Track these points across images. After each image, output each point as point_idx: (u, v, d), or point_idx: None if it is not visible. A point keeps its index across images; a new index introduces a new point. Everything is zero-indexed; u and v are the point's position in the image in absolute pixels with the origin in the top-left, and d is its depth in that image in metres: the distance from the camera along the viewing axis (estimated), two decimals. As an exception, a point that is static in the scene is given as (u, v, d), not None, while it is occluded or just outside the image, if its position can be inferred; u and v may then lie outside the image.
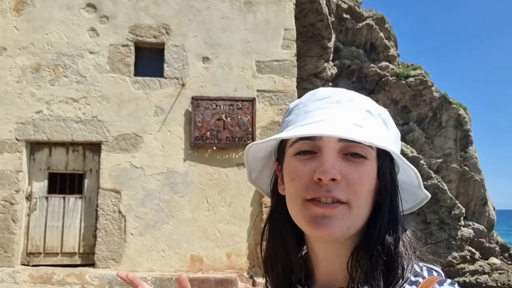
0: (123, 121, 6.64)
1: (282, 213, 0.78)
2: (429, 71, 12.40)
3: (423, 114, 12.42)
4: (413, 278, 0.69)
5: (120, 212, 6.53)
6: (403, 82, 12.00)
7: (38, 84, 6.60)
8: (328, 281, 0.75)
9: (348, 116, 0.71)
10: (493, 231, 12.98)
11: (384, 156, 0.73)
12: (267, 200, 6.37)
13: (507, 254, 12.92)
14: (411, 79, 12.06)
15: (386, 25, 12.16)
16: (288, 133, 0.73)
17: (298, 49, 10.26)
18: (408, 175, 0.76)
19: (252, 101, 6.68)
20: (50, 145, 6.74)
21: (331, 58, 11.20)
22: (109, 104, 6.67)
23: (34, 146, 6.74)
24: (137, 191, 6.56)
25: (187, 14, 6.91)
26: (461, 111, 12.34)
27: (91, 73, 6.71)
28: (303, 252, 0.81)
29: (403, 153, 11.53)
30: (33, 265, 6.50)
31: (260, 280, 6.28)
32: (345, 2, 11.67)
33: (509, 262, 12.64)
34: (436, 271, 0.73)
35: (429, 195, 0.77)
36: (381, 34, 11.90)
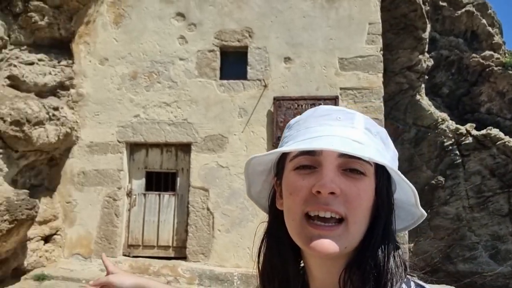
0: (210, 123, 6.97)
1: (280, 228, 0.79)
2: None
3: (534, 107, 11.05)
4: None
5: (208, 209, 6.85)
6: (511, 72, 10.80)
7: (135, 91, 7.21)
8: None
9: (348, 133, 0.73)
10: None
11: (382, 174, 0.75)
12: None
13: None
14: (521, 68, 10.80)
15: (489, 11, 11.05)
16: (289, 147, 0.74)
17: (389, 41, 9.78)
18: (404, 193, 0.76)
19: (335, 99, 6.55)
20: (147, 146, 7.32)
21: (426, 49, 10.49)
22: (197, 107, 7.05)
23: (133, 147, 7.37)
24: (223, 189, 6.83)
25: (269, 16, 7.01)
26: None
27: (181, 79, 7.14)
28: (300, 266, 0.82)
29: (511, 150, 10.39)
30: (133, 256, 7.12)
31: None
32: (441, -11, 10.85)
33: None
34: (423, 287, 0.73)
35: (425, 214, 0.77)
36: (484, 21, 10.84)
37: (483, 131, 10.48)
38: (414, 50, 10.52)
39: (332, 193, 0.69)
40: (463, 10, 10.76)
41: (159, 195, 7.27)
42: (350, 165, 0.71)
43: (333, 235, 0.69)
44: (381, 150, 0.74)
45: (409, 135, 10.96)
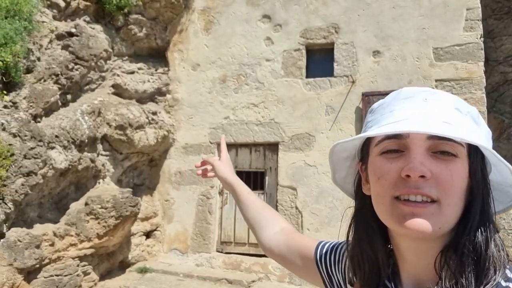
0: (297, 122, 6.97)
1: (368, 213, 0.78)
2: None
3: None
4: (503, 283, 0.66)
5: (297, 208, 6.86)
6: None
7: (225, 93, 7.49)
8: (415, 281, 0.74)
9: (436, 113, 0.70)
10: None
11: (475, 154, 0.71)
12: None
13: None
14: None
15: None
16: (374, 131, 0.73)
17: (492, 28, 8.92)
18: (501, 174, 0.72)
19: (429, 92, 6.14)
20: (236, 146, 7.55)
21: (537, 33, 9.38)
22: (284, 106, 7.10)
23: (224, 148, 7.65)
24: (311, 188, 6.79)
25: (356, 9, 6.81)
26: None
27: (267, 79, 7.25)
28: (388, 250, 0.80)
29: None
30: (226, 253, 7.39)
31: None
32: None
33: None
34: None
35: None
36: None
37: None
38: (522, 36, 9.46)
39: (422, 176, 0.66)
40: None
41: (249, 194, 7.44)
42: (440, 147, 0.68)
43: (427, 213, 0.66)
44: (473, 129, 0.70)
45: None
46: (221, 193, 7.58)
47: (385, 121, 0.72)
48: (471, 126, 0.70)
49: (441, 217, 0.67)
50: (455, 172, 0.68)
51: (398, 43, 6.50)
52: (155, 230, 7.53)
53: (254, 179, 7.41)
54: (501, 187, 0.74)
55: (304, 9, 7.16)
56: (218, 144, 7.49)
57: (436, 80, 6.21)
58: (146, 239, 7.37)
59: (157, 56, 7.74)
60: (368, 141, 0.78)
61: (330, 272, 0.92)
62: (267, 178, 7.34)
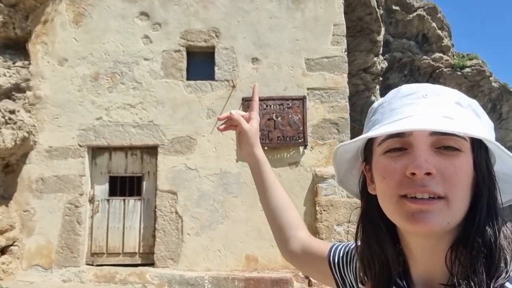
0: (177, 125, 6.83)
1: (375, 213, 0.78)
2: (487, 60, 11.75)
3: (481, 105, 11.80)
4: None
5: (177, 212, 6.71)
6: (459, 73, 11.48)
7: (97, 92, 6.93)
8: (427, 278, 0.74)
9: (437, 109, 0.70)
10: None
11: (479, 147, 0.71)
12: (321, 200, 6.31)
13: None
14: (467, 69, 11.52)
15: (439, 14, 11.67)
16: (376, 132, 0.72)
17: (347, 44, 10.09)
18: (506, 165, 0.72)
19: (302, 99, 6.64)
20: (110, 149, 7.05)
21: (381, 51, 10.91)
22: (164, 108, 6.88)
23: (95, 151, 7.07)
24: (193, 192, 6.72)
25: (235, 16, 6.99)
26: (524, 101, 11.62)
27: (146, 79, 6.95)
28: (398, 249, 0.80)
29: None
30: (97, 265, 6.82)
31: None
32: (394, -6, 11.32)
33: None
34: None
35: None
36: (434, 25, 11.44)
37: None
38: (369, 53, 10.90)
39: (428, 173, 0.66)
40: (415, 14, 11.30)
41: (124, 200, 7.02)
42: (443, 143, 0.68)
43: (435, 209, 0.66)
44: (475, 123, 0.71)
45: (366, 135, 11.31)
46: (91, 200, 6.98)
47: (387, 120, 0.73)
48: (473, 120, 0.71)
49: (449, 212, 0.67)
50: (459, 167, 0.68)
51: (274, 52, 6.88)
52: (11, 245, 6.54)
53: (130, 184, 7.01)
54: (506, 178, 0.74)
55: (184, 11, 7.06)
56: (89, 147, 6.90)
57: (308, 89, 6.75)
58: (0, 256, 6.37)
59: (15, 48, 6.76)
60: (370, 141, 0.78)
61: (343, 274, 0.93)
62: (144, 183, 7.01)
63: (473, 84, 11.57)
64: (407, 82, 12.01)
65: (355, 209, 0.88)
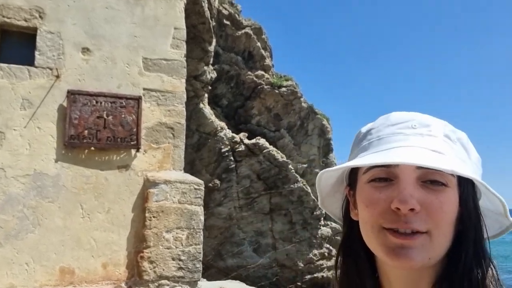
0: (-21, 114, 5.63)
1: (356, 239, 0.76)
2: (299, 82, 13.35)
3: (292, 122, 13.30)
4: None
5: (-30, 221, 5.50)
6: (276, 91, 12.68)
7: None
8: None
9: (425, 142, 0.69)
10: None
11: (465, 183, 0.70)
12: (152, 206, 6.06)
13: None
14: (284, 89, 12.82)
15: (263, 35, 12.71)
16: (363, 161, 0.69)
17: (180, 49, 10.06)
18: (492, 203, 0.72)
19: (137, 99, 6.29)
20: None
21: (211, 61, 11.26)
22: (-40, 92, 5.59)
23: None
24: (-4, 195, 5.62)
25: (65, -2, 6.20)
26: (325, 122, 13.56)
27: None
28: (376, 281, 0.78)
29: (274, 158, 12.19)
30: None
31: (141, 290, 5.95)
32: (226, 9, 11.86)
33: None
34: None
35: None
36: (258, 44, 12.40)
37: (253, 140, 11.96)
38: (200, 61, 11.14)
39: (412, 209, 0.65)
40: (243, 31, 12.04)
41: None
42: (430, 177, 0.67)
43: (417, 245, 0.65)
44: (463, 158, 0.70)
45: (191, 141, 11.49)
46: None
47: (374, 149, 0.71)
48: (461, 155, 0.70)
49: (431, 248, 0.66)
50: (445, 202, 0.67)
51: (109, 45, 6.34)
52: None
53: None
54: (490, 214, 0.73)
55: (0, -20, 5.91)
56: None
57: (144, 89, 6.43)
58: None
59: None
60: (356, 168, 0.76)
61: None
62: None
63: (287, 102, 12.94)
64: (233, 94, 12.68)
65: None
